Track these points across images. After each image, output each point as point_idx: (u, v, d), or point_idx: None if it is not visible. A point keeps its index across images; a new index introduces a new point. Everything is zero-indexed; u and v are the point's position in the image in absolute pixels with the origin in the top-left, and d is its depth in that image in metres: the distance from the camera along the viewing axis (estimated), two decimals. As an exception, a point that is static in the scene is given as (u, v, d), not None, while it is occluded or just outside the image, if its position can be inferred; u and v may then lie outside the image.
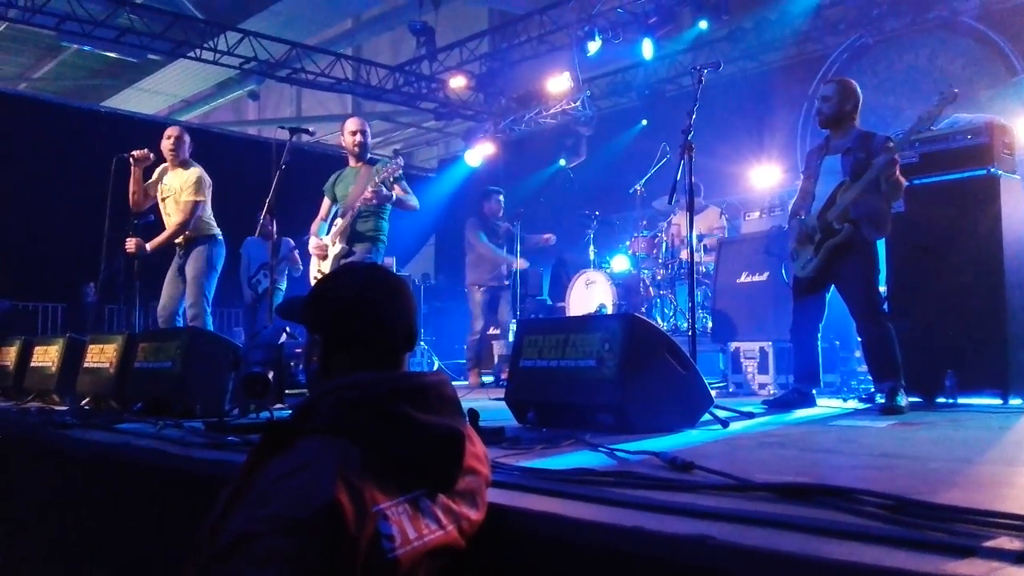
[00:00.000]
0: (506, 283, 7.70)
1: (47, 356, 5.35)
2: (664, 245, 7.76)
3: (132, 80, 16.32)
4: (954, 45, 8.80)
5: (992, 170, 4.36)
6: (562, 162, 11.99)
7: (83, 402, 4.67)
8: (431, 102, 13.22)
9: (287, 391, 3.73)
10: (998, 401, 4.20)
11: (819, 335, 4.42)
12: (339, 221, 5.50)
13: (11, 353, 5.89)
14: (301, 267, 8.09)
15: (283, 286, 8.06)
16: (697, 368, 3.25)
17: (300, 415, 1.58)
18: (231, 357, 3.94)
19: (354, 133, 5.60)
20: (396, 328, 1.77)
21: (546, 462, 2.26)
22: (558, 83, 11.36)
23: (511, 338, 6.90)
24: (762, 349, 5.71)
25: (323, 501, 1.33)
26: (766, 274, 5.96)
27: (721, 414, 3.29)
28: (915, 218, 4.48)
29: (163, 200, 5.81)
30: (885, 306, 4.30)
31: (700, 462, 2.02)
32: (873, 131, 4.34)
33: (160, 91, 16.68)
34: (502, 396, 3.58)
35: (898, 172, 4.09)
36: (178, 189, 5.70)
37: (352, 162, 5.65)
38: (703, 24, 9.65)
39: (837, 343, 5.79)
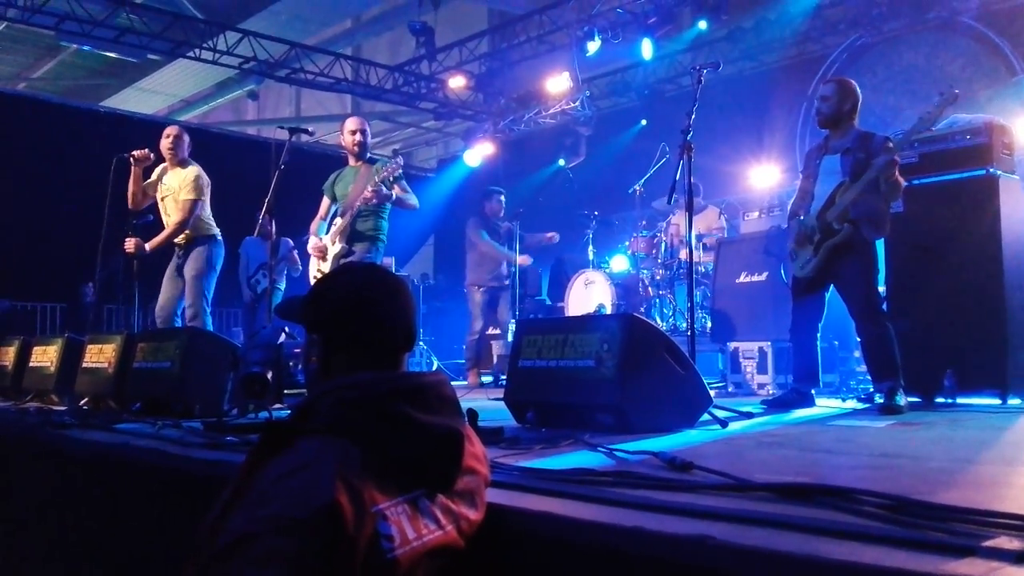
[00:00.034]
0: (506, 283, 7.71)
1: (46, 356, 5.35)
2: (663, 245, 7.76)
3: (131, 80, 16.32)
4: (953, 45, 8.80)
5: (991, 170, 4.36)
6: (561, 162, 11.99)
7: (82, 402, 4.66)
8: (430, 102, 13.22)
9: (286, 391, 3.73)
10: (997, 401, 4.20)
11: (818, 335, 4.42)
12: (339, 220, 5.50)
13: (10, 353, 5.88)
14: (300, 267, 8.09)
15: (282, 286, 8.06)
16: (696, 368, 3.25)
17: (299, 415, 1.58)
18: (230, 357, 3.94)
19: (354, 132, 5.60)
20: (395, 328, 1.77)
21: (545, 462, 2.26)
22: (557, 83, 11.36)
23: (511, 338, 6.89)
24: (761, 349, 5.71)
25: (323, 501, 1.33)
26: (765, 274, 5.96)
27: (720, 414, 3.29)
28: (914, 218, 4.48)
29: (162, 200, 5.81)
30: (884, 306, 4.30)
31: (699, 462, 2.02)
32: (872, 131, 4.34)
33: (159, 91, 16.68)
34: (501, 396, 3.58)
35: (897, 173, 4.09)
36: (177, 188, 5.70)
37: (352, 161, 5.65)
38: (702, 24, 9.66)
39: (836, 343, 5.79)
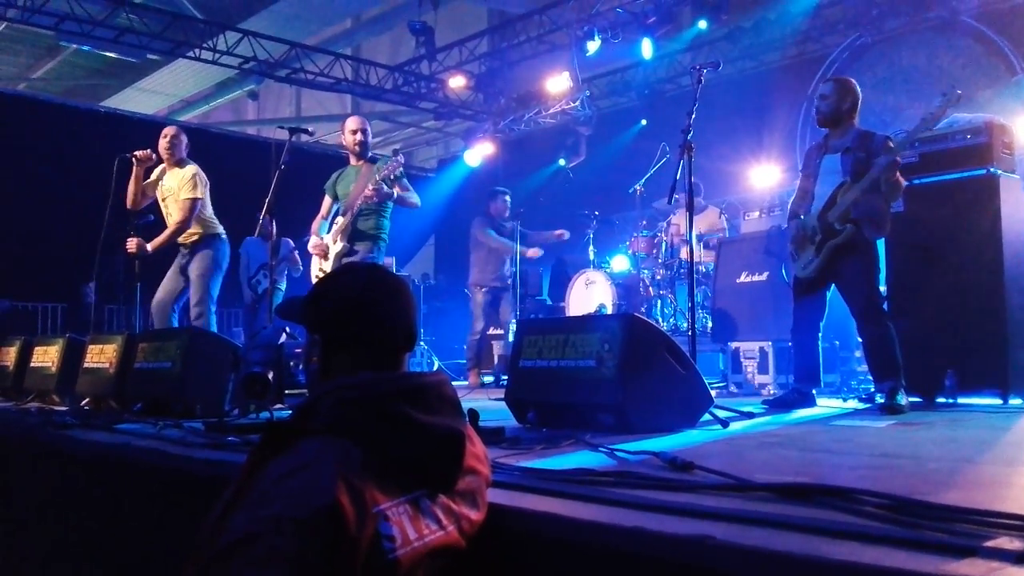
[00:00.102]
0: (508, 283, 7.74)
1: (47, 356, 5.35)
2: (664, 245, 7.76)
3: (131, 80, 16.31)
4: (954, 45, 8.80)
5: (991, 170, 4.36)
6: (562, 162, 11.98)
7: (83, 402, 4.67)
8: (430, 102, 13.22)
9: (287, 391, 3.72)
10: (998, 401, 4.20)
11: (819, 335, 4.42)
12: (340, 219, 5.51)
13: (11, 353, 5.88)
14: (301, 267, 8.10)
15: (283, 286, 8.07)
16: (697, 368, 3.25)
17: (300, 415, 1.58)
18: (231, 357, 3.94)
19: (354, 132, 5.61)
20: (396, 328, 1.78)
21: (546, 462, 2.26)
22: (557, 83, 11.36)
23: (512, 338, 6.90)
24: (762, 349, 5.71)
25: (324, 502, 1.33)
26: (766, 274, 5.96)
27: (721, 414, 3.29)
28: (915, 218, 4.49)
29: (163, 201, 5.82)
30: (885, 306, 4.30)
31: (700, 462, 2.02)
32: (872, 130, 4.34)
33: (159, 91, 16.67)
34: (502, 396, 3.59)
35: (898, 173, 4.09)
36: (176, 189, 5.71)
37: (353, 161, 5.66)
38: (702, 24, 9.65)
39: (837, 343, 5.79)
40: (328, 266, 5.48)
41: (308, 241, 5.81)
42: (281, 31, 12.15)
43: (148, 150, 5.70)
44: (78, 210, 7.42)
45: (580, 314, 7.22)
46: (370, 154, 5.65)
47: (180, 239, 5.76)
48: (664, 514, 1.57)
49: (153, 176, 5.86)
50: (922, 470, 2.17)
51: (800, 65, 10.17)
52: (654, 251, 7.85)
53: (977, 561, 1.20)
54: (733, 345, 5.91)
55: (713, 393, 3.33)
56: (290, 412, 1.64)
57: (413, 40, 12.22)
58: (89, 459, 3.20)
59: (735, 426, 3.28)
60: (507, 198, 7.95)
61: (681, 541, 1.40)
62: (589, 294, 7.78)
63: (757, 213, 6.96)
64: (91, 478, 3.16)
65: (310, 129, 5.74)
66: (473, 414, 2.39)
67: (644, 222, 8.35)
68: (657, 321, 7.31)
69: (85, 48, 11.75)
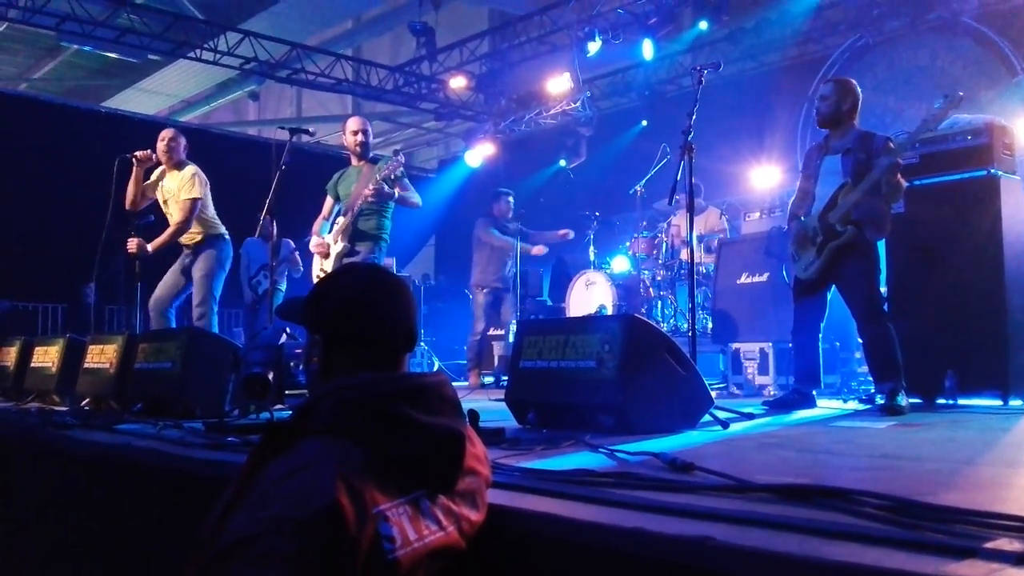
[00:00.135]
0: (510, 283, 7.76)
1: (47, 356, 5.35)
2: (664, 246, 7.76)
3: (132, 80, 16.32)
4: (954, 46, 8.80)
5: (992, 171, 4.36)
6: (562, 163, 11.98)
7: (83, 403, 4.67)
8: (431, 102, 13.23)
9: (287, 392, 3.72)
10: (998, 402, 4.20)
11: (820, 336, 4.42)
12: (341, 219, 5.51)
13: (11, 353, 5.89)
14: (301, 268, 8.10)
15: (283, 287, 8.07)
16: (697, 369, 3.25)
17: (300, 416, 1.58)
18: (231, 358, 3.94)
19: (355, 133, 5.61)
20: (396, 329, 1.78)
21: (546, 463, 2.26)
22: (558, 84, 11.36)
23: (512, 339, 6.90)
24: (762, 350, 5.71)
25: (324, 502, 1.33)
26: (766, 275, 5.96)
27: (721, 415, 3.29)
28: (915, 219, 4.49)
29: (165, 203, 5.82)
30: (886, 307, 4.30)
31: (700, 463, 2.02)
32: (873, 131, 4.34)
33: (160, 91, 16.67)
34: (502, 397, 3.58)
35: (899, 175, 4.09)
36: (176, 191, 5.72)
37: (354, 161, 5.66)
38: (703, 25, 9.65)
39: (837, 344, 5.79)
40: (329, 266, 5.48)
41: (309, 241, 5.82)
42: (282, 32, 12.16)
43: (148, 150, 5.70)
44: (78, 210, 7.42)
45: (580, 315, 7.22)
46: (371, 154, 5.66)
47: (183, 240, 5.77)
48: (664, 515, 1.57)
49: (153, 177, 5.86)
50: (922, 471, 2.17)
51: (801, 66, 10.17)
52: (654, 252, 7.85)
53: (977, 562, 1.20)
54: (734, 346, 5.91)
55: (713, 394, 3.33)
56: (290, 412, 1.64)
57: (414, 41, 12.22)
58: (89, 459, 3.20)
59: (735, 427, 3.28)
60: (510, 199, 7.98)
61: (681, 542, 1.40)
62: (589, 295, 7.78)
63: (758, 214, 6.95)
64: (91, 478, 3.16)
65: (311, 130, 5.74)
66: (473, 415, 2.39)
67: (644, 223, 8.34)
68: (657, 322, 7.31)
69: (86, 48, 11.75)
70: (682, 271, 7.39)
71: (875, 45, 9.44)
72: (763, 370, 5.69)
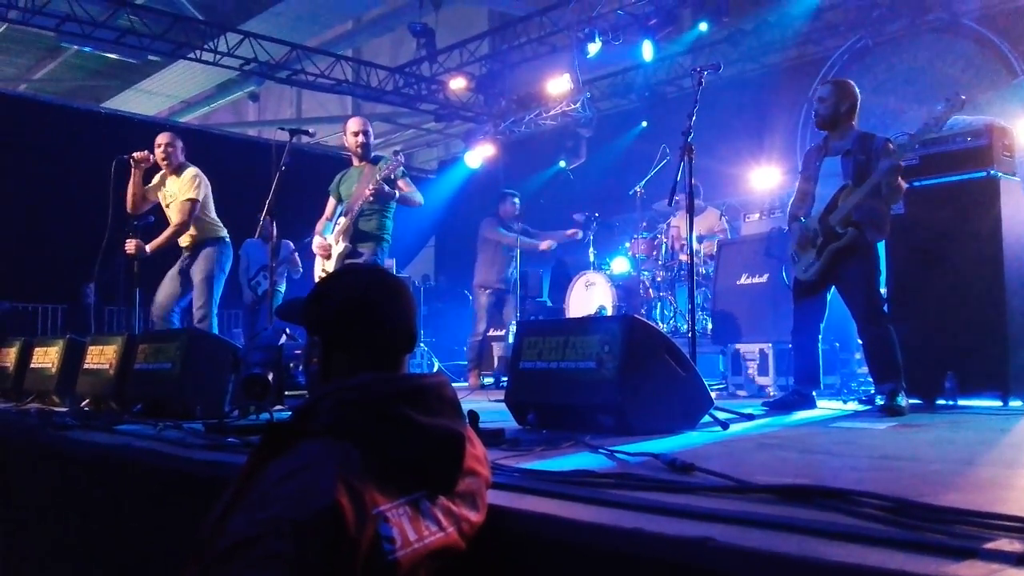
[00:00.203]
0: (512, 284, 7.77)
1: (47, 357, 5.35)
2: (664, 247, 7.76)
3: (132, 81, 16.32)
4: (954, 47, 8.79)
5: (992, 172, 4.36)
6: (562, 164, 11.98)
7: (83, 403, 4.66)
8: (431, 104, 13.23)
9: (287, 392, 3.72)
10: (998, 403, 4.20)
11: (819, 337, 4.42)
12: (342, 220, 5.51)
13: (11, 354, 5.88)
14: (301, 269, 8.10)
15: (282, 288, 8.07)
16: (697, 370, 3.25)
17: (300, 417, 1.58)
18: (231, 358, 3.94)
19: (356, 133, 5.61)
20: (396, 330, 1.78)
21: (546, 464, 2.26)
22: (558, 85, 11.36)
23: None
24: (762, 351, 5.71)
25: (323, 503, 1.33)
26: (766, 276, 5.95)
27: (721, 416, 3.29)
28: (915, 220, 4.49)
29: (167, 207, 5.82)
30: (886, 308, 4.30)
31: (700, 464, 2.02)
32: (872, 132, 4.34)
33: (160, 92, 16.67)
34: (502, 398, 3.58)
35: (899, 177, 4.09)
36: (177, 193, 5.72)
37: (356, 162, 5.66)
38: (703, 26, 9.66)
39: (837, 345, 5.79)
40: (330, 266, 5.48)
41: (309, 242, 5.82)
42: (282, 33, 12.16)
43: (146, 151, 5.70)
44: (78, 211, 7.42)
45: (580, 316, 7.22)
46: (373, 155, 5.66)
47: (182, 242, 5.76)
48: (664, 516, 1.57)
49: (155, 181, 5.86)
50: (922, 472, 2.17)
51: (800, 67, 10.18)
52: (654, 253, 7.85)
53: (977, 563, 1.20)
54: (735, 347, 5.90)
55: (713, 395, 3.32)
56: (290, 413, 1.64)
57: (414, 42, 12.22)
58: (89, 460, 3.20)
59: (735, 428, 3.28)
60: (516, 200, 8.01)
61: (681, 543, 1.40)
62: (589, 296, 7.78)
63: (757, 215, 6.95)
64: (91, 479, 3.16)
65: (311, 130, 5.75)
66: (473, 415, 2.39)
67: (644, 224, 8.34)
68: (657, 323, 7.31)
69: (86, 49, 11.75)
70: (681, 272, 7.39)
71: (875, 46, 9.44)
72: (763, 371, 5.69)
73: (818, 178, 4.39)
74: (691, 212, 4.64)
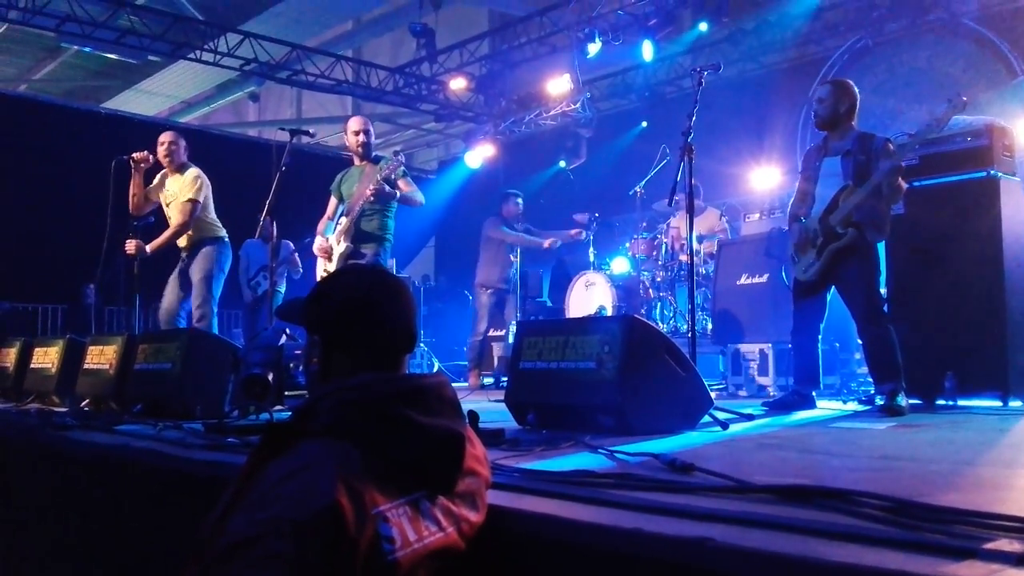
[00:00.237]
0: (513, 285, 7.77)
1: (47, 357, 5.35)
2: (664, 247, 7.76)
3: (132, 81, 16.33)
4: (954, 47, 8.80)
5: (992, 172, 4.36)
6: (562, 164, 11.98)
7: (83, 403, 4.66)
8: (431, 104, 13.23)
9: (287, 393, 3.72)
10: (998, 403, 4.19)
11: (819, 337, 4.42)
12: (343, 220, 5.51)
13: (11, 354, 5.88)
14: (300, 269, 8.10)
15: (282, 288, 8.07)
16: (697, 370, 3.25)
17: (300, 417, 1.58)
18: (231, 358, 3.93)
19: (357, 133, 5.60)
20: (396, 330, 1.78)
21: (546, 464, 2.26)
22: (558, 85, 11.37)
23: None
24: (762, 351, 5.71)
25: (323, 503, 1.33)
26: (766, 276, 5.95)
27: (721, 416, 3.29)
28: (915, 220, 4.48)
29: (167, 206, 5.82)
30: (886, 308, 4.30)
31: (700, 464, 2.02)
32: (872, 132, 4.34)
33: (160, 92, 16.69)
34: (502, 398, 3.58)
35: (900, 177, 4.09)
36: (177, 193, 5.71)
37: (357, 161, 5.66)
38: (703, 26, 9.67)
39: (837, 345, 5.79)
40: (332, 267, 5.48)
41: (309, 243, 5.81)
42: (282, 33, 12.17)
43: (146, 152, 5.69)
44: (78, 211, 7.43)
45: (580, 316, 7.22)
46: (374, 154, 5.65)
47: (180, 243, 5.76)
48: (663, 516, 1.57)
49: (156, 181, 5.86)
50: (922, 472, 2.17)
51: (800, 67, 10.18)
52: (654, 253, 7.85)
53: (977, 563, 1.20)
54: (735, 347, 5.90)
55: (713, 395, 3.32)
56: (290, 414, 1.64)
57: (414, 42, 12.22)
58: (89, 460, 3.20)
59: (735, 428, 3.28)
60: (519, 200, 8.00)
61: (680, 543, 1.40)
62: (589, 296, 7.78)
63: (757, 215, 6.95)
64: (91, 479, 3.16)
65: (311, 131, 5.74)
66: (473, 416, 2.39)
67: (644, 224, 8.34)
68: (657, 323, 7.31)
69: (86, 49, 11.77)
70: (681, 272, 7.39)
71: (875, 47, 9.44)
72: (763, 371, 5.69)
73: (818, 178, 4.39)
74: (691, 212, 4.63)
